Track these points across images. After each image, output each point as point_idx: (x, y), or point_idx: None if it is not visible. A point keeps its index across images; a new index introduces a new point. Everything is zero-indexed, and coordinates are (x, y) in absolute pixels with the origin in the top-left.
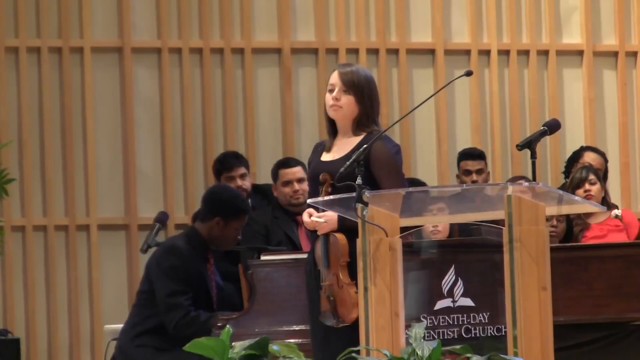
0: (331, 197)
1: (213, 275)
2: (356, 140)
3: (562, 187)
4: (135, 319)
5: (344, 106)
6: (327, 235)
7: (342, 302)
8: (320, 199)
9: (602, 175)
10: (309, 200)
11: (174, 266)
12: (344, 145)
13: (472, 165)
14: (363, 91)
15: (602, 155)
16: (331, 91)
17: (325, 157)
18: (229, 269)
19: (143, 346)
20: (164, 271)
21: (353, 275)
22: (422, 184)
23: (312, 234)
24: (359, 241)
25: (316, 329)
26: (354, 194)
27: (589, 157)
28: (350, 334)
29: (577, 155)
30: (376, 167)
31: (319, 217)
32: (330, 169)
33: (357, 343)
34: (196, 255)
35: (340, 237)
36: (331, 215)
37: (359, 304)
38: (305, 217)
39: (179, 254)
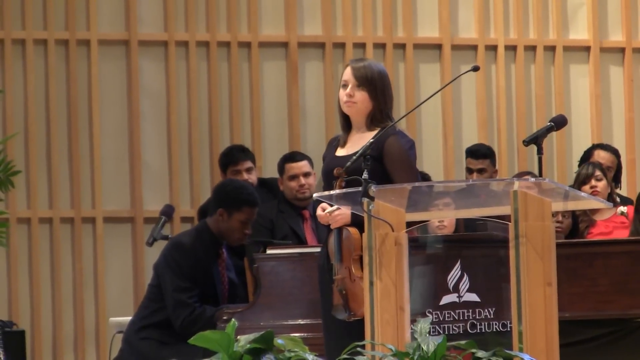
0: (337, 191)
1: (225, 270)
2: (370, 135)
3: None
4: (144, 311)
5: (358, 102)
6: (340, 229)
7: (354, 296)
8: (326, 193)
9: (615, 172)
10: (315, 195)
11: (179, 263)
12: (358, 140)
13: (474, 164)
14: (376, 86)
15: (614, 152)
16: (344, 87)
17: (340, 152)
18: (235, 262)
19: (147, 339)
20: (169, 267)
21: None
22: (428, 178)
23: (326, 228)
24: (364, 236)
25: (328, 323)
26: (360, 189)
27: (599, 156)
28: (362, 328)
29: (588, 154)
30: (389, 162)
31: (333, 211)
32: (344, 164)
33: None
34: (204, 251)
35: (354, 231)
36: (345, 210)
37: (365, 298)
38: (319, 211)
39: (183, 250)
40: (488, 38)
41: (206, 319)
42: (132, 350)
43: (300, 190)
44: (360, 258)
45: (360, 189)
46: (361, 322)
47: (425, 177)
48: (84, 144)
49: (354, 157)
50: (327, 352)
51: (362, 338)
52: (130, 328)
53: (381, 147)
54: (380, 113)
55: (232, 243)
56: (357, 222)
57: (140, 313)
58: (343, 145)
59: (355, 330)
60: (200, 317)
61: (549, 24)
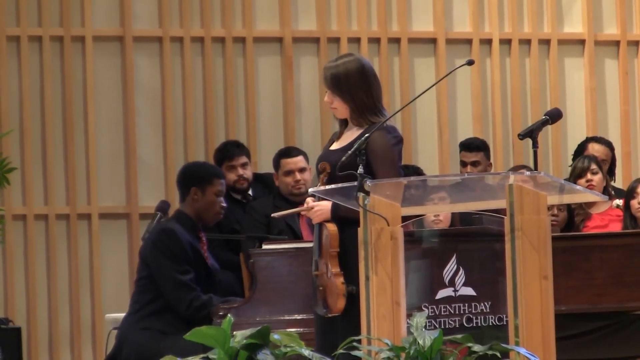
0: (332, 186)
1: (208, 254)
2: (359, 131)
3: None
4: (136, 306)
5: (337, 107)
6: (320, 225)
7: (330, 292)
8: (321, 187)
9: (610, 165)
10: (310, 190)
11: (170, 247)
12: (349, 136)
13: (468, 157)
14: (343, 88)
15: (608, 145)
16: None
17: (334, 146)
18: (230, 258)
19: (148, 329)
20: (162, 253)
21: (343, 266)
22: (420, 171)
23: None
24: (360, 230)
25: (316, 318)
26: (355, 183)
27: (594, 149)
28: (346, 324)
29: (582, 147)
30: (372, 157)
31: (313, 206)
32: (330, 158)
33: (353, 333)
34: (189, 235)
35: (330, 226)
36: (324, 205)
37: (361, 293)
38: (304, 205)
39: (172, 235)
40: (483, 32)
41: (214, 308)
42: (128, 344)
43: (296, 185)
44: (337, 254)
45: (351, 183)
46: (345, 317)
47: (417, 171)
48: (79, 140)
49: (349, 152)
50: (317, 347)
51: (347, 334)
52: (125, 324)
53: (366, 142)
54: (358, 112)
55: (210, 221)
56: (337, 217)
57: (133, 308)
58: (338, 139)
59: (340, 324)
60: (208, 304)
61: (543, 18)
